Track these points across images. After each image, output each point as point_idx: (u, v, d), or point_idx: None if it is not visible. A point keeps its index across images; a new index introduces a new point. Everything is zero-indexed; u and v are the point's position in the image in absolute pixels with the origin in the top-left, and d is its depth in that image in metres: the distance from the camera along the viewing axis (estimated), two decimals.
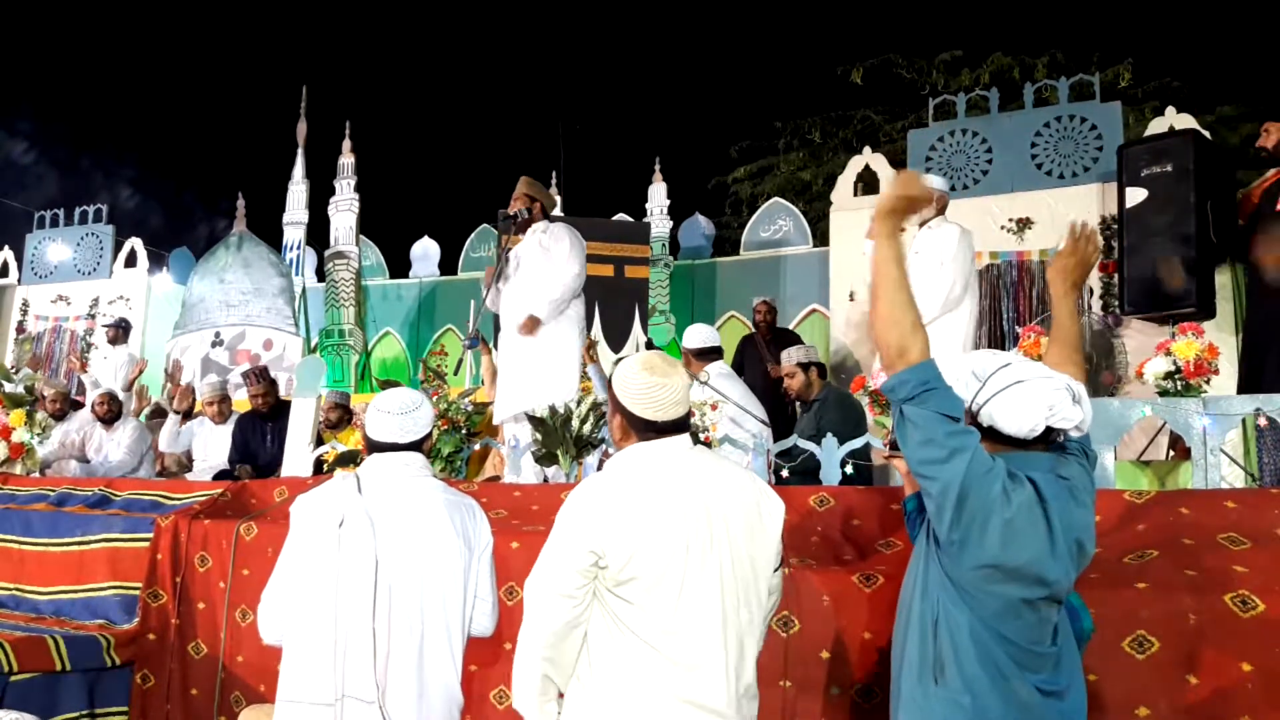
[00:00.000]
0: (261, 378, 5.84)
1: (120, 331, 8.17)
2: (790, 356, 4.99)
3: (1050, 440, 1.91)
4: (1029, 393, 1.85)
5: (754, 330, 7.47)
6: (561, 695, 2.04)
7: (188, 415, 6.73)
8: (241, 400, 6.40)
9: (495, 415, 4.82)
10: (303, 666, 2.37)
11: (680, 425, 2.06)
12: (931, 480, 1.79)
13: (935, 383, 1.80)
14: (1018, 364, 1.91)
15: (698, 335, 5.10)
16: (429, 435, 2.65)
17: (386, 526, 2.41)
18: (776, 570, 2.11)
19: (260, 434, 5.71)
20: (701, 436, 3.80)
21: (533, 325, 4.52)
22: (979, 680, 1.78)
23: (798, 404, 5.16)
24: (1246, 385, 4.38)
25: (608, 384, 2.13)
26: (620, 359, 2.14)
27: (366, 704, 2.31)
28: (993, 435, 1.89)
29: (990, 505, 1.74)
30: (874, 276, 1.90)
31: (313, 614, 2.38)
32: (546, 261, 4.64)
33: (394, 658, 2.36)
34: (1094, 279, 7.09)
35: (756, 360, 6.78)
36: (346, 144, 11.58)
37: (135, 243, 11.33)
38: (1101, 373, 6.41)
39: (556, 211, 8.53)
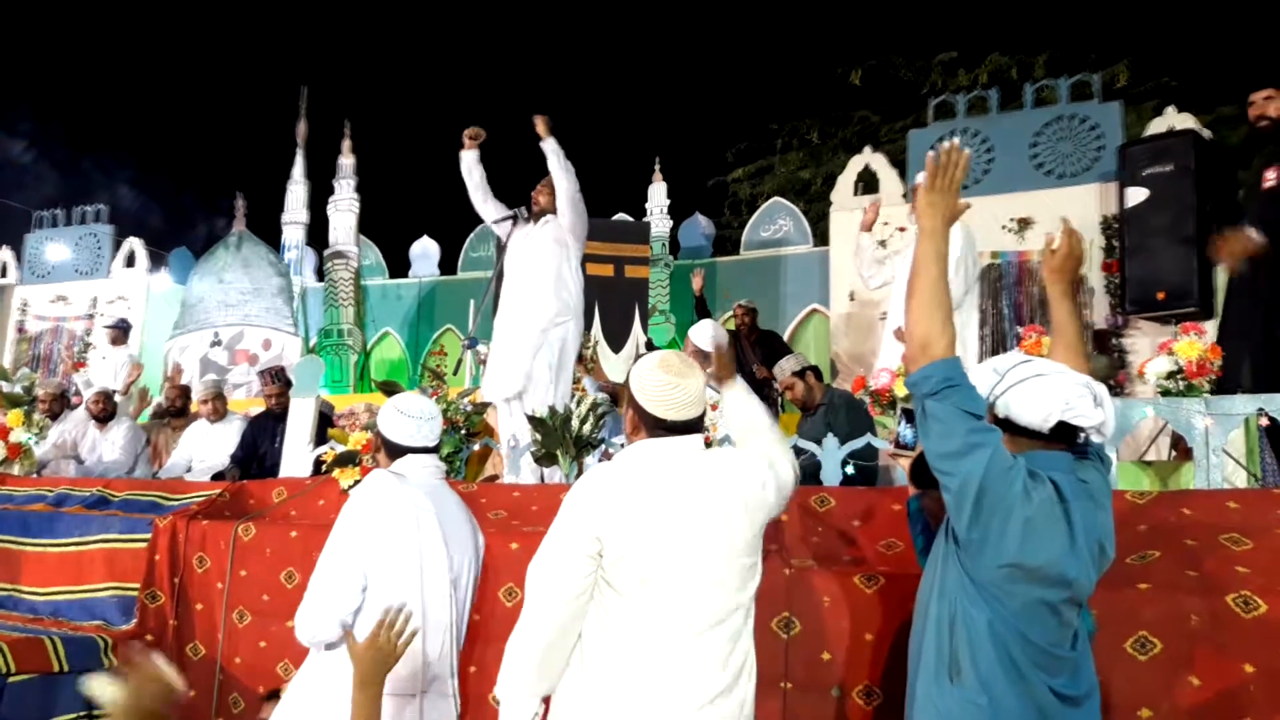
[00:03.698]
0: (278, 378, 5.90)
1: (120, 333, 8.16)
2: (783, 370, 4.94)
3: (1072, 440, 1.89)
4: (1047, 385, 1.85)
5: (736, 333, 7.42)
6: (545, 701, 2.01)
7: (181, 413, 6.72)
8: (239, 400, 6.39)
9: (484, 393, 4.79)
10: None
11: (694, 426, 2.06)
12: (951, 476, 1.78)
13: (958, 379, 1.79)
14: (1038, 362, 1.91)
15: (706, 335, 5.03)
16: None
17: (445, 524, 2.55)
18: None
19: (270, 434, 5.70)
20: (702, 436, 3.78)
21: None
22: (996, 681, 1.77)
23: (802, 410, 5.12)
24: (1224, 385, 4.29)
25: (623, 384, 2.12)
26: (640, 357, 2.18)
27: (445, 697, 2.48)
28: (1011, 429, 1.88)
29: (1010, 503, 1.73)
30: (913, 270, 1.90)
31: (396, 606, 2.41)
32: (561, 258, 4.62)
33: (457, 649, 2.55)
34: (1096, 279, 7.09)
35: (740, 364, 6.75)
36: (346, 144, 11.57)
37: (134, 242, 11.33)
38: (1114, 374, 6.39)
39: None
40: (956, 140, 2.06)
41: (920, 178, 4.78)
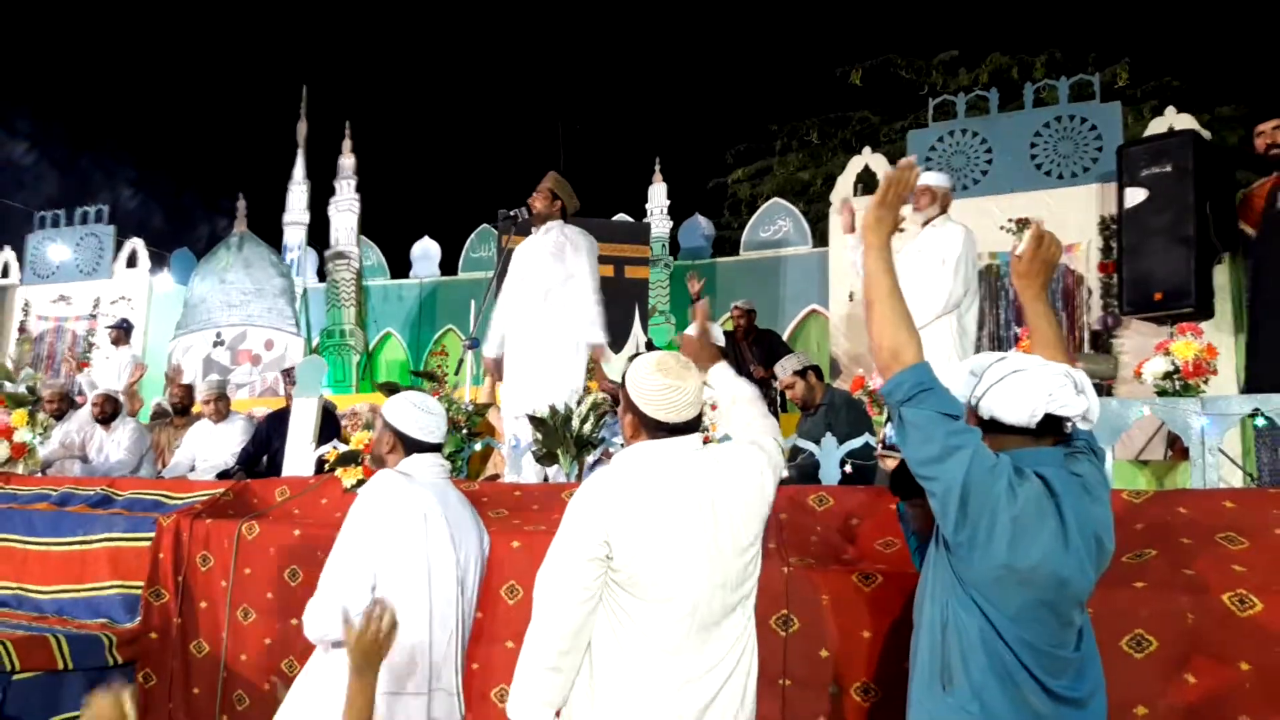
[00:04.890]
0: None
1: (122, 333, 8.19)
2: (784, 368, 4.95)
3: (1059, 432, 1.87)
4: (1027, 380, 1.83)
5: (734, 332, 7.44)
6: (558, 714, 2.02)
7: (184, 412, 6.74)
8: (242, 400, 6.39)
9: (504, 413, 4.83)
10: (399, 658, 2.39)
11: (692, 426, 2.08)
12: (934, 481, 1.76)
13: (931, 383, 1.79)
14: (1013, 357, 1.90)
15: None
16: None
17: (451, 523, 2.56)
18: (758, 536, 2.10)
19: (285, 433, 5.72)
20: (701, 436, 3.80)
21: (601, 353, 4.64)
22: (988, 687, 1.75)
23: (803, 410, 5.13)
24: (1250, 386, 4.36)
25: (620, 386, 2.14)
26: (634, 356, 2.21)
27: (450, 695, 2.48)
28: (997, 428, 1.86)
29: (995, 503, 1.71)
30: (866, 286, 1.93)
31: (405, 606, 2.38)
32: (560, 267, 4.62)
33: (463, 648, 2.56)
34: (1093, 279, 7.11)
35: (738, 364, 6.77)
36: (347, 144, 11.60)
37: (136, 243, 11.36)
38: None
39: None
40: (913, 157, 2.10)
41: (927, 177, 4.75)
